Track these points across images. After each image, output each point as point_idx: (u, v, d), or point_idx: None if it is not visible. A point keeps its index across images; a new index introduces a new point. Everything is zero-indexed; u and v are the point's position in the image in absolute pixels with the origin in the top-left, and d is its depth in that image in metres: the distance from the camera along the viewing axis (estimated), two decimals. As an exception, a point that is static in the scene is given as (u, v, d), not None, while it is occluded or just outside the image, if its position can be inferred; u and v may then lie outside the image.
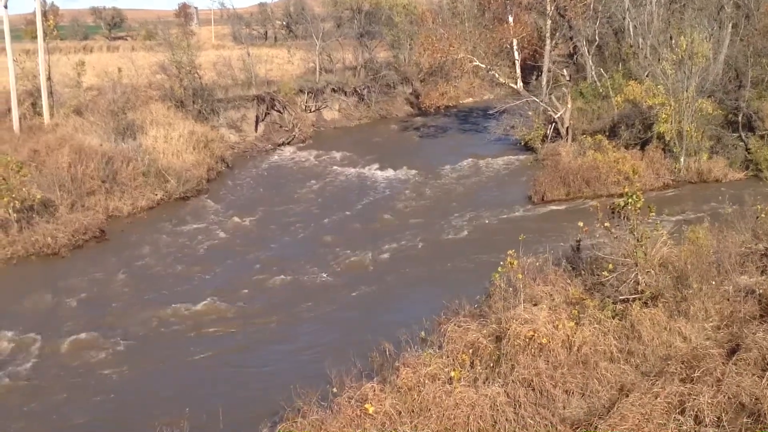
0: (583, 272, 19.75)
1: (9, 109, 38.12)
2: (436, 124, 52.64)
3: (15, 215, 28.18)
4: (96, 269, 26.36)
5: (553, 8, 43.65)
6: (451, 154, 43.23)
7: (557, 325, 16.98)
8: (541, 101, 41.52)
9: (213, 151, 40.55)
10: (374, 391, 15.70)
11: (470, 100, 58.76)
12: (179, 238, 29.69)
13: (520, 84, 44.65)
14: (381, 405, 15.03)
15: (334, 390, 16.76)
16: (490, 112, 46.46)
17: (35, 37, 41.07)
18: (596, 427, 13.57)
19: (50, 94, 39.61)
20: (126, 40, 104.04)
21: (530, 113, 42.55)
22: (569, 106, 40.83)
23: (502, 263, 18.76)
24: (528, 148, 42.24)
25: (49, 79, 39.79)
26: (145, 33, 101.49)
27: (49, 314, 22.90)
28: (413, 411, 14.94)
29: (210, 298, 23.78)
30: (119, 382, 19.09)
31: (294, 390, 16.97)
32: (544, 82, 43.39)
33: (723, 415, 13.13)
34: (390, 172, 39.50)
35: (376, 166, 40.78)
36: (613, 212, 18.45)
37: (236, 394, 18.27)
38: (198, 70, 46.74)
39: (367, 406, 14.95)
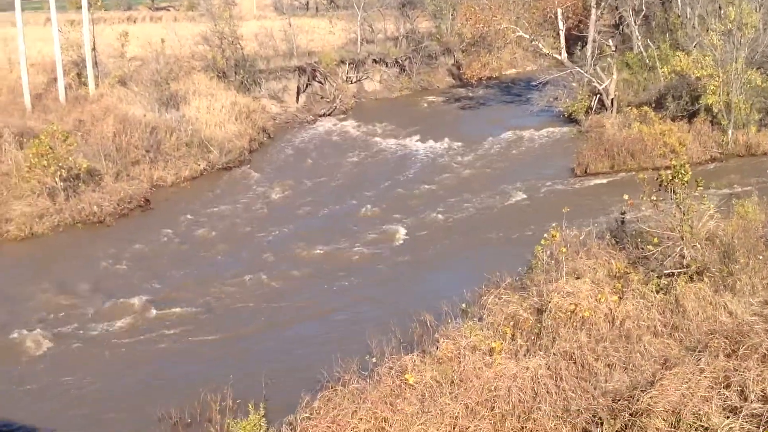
0: (627, 246, 19.52)
1: (55, 80, 38.58)
2: (478, 96, 52.17)
3: (62, 184, 28.62)
4: (141, 237, 26.73)
5: (599, -23, 42.82)
6: (492, 125, 42.84)
7: (600, 299, 16.86)
8: (586, 72, 40.88)
9: (255, 122, 40.67)
10: (414, 361, 15.76)
11: (513, 71, 58.03)
12: (222, 208, 29.93)
13: (564, 55, 43.97)
14: (421, 376, 15.07)
15: (374, 360, 16.88)
16: (533, 83, 45.83)
17: (80, 8, 41.38)
18: (639, 401, 13.45)
19: (95, 64, 39.99)
20: (169, 10, 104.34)
21: (574, 84, 41.93)
22: (614, 77, 40.15)
23: (545, 236, 18.63)
24: (571, 120, 41.70)
25: (93, 49, 40.14)
26: (188, 3, 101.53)
27: (95, 281, 23.31)
28: (453, 382, 14.97)
29: (251, 268, 24.01)
30: (163, 348, 19.41)
31: (335, 359, 17.13)
32: (588, 53, 42.64)
33: (769, 390, 12.95)
34: (431, 144, 39.29)
35: (416, 137, 40.59)
36: (660, 185, 18.13)
37: (278, 362, 18.48)
38: (240, 40, 46.77)
39: (407, 376, 15.01)
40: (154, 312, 21.21)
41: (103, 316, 21.02)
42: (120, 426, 15.80)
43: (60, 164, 28.41)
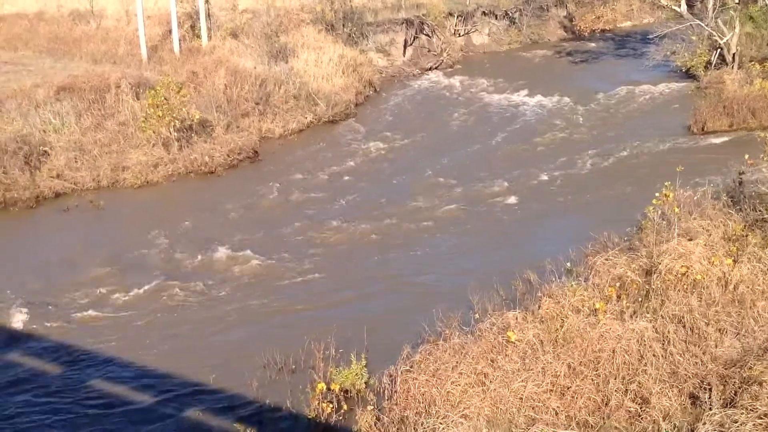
0: (744, 207, 18.70)
1: (170, 32, 39.58)
2: (591, 49, 50.60)
3: (175, 134, 29.48)
4: (250, 188, 27.35)
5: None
6: (605, 80, 41.55)
7: (713, 262, 16.28)
8: (706, 25, 38.98)
9: (361, 75, 40.70)
10: (516, 319, 15.66)
11: (628, 23, 55.99)
12: (328, 161, 30.26)
13: (683, 6, 42.00)
14: (523, 333, 14.97)
15: (477, 316, 16.85)
16: (650, 36, 44.08)
17: (194, -39, 42.20)
18: (751, 368, 12.98)
19: (208, 16, 40.76)
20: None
21: (693, 38, 40.09)
22: (737, 30, 38.13)
23: (657, 195, 18.04)
24: (689, 75, 39.99)
25: (207, 2, 40.89)
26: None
27: (206, 230, 24.04)
28: (556, 341, 14.81)
29: (357, 219, 24.27)
30: (269, 294, 19.91)
31: (436, 314, 17.20)
32: (710, 5, 40.57)
33: None
34: (540, 99, 38.45)
35: (525, 92, 39.79)
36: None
37: (380, 314, 18.69)
38: (348, -7, 46.73)
39: (509, 333, 14.93)
40: (261, 262, 21.73)
41: (214, 266, 21.68)
42: (226, 371, 16.35)
43: (174, 115, 29.21)
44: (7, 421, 15.06)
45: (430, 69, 46.86)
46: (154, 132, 29.21)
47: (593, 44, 51.50)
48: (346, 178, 28.54)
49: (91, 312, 19.13)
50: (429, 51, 48.86)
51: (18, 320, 18.74)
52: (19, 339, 18.06)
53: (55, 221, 25.24)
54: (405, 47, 48.52)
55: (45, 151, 28.12)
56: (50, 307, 19.34)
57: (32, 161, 27.37)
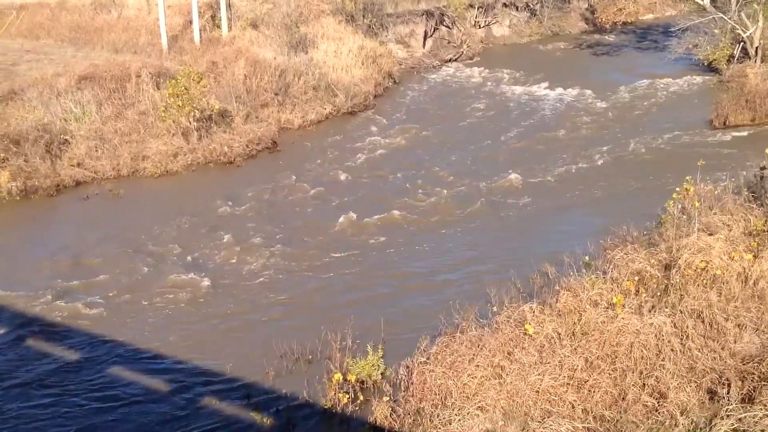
0: (766, 202, 18.53)
1: (190, 22, 39.70)
2: (612, 42, 50.26)
3: (195, 124, 29.59)
4: (269, 178, 27.39)
5: None
6: (626, 73, 41.27)
7: (733, 257, 16.13)
8: (729, 18, 38.58)
9: (381, 67, 40.64)
10: (534, 312, 15.61)
11: (650, 16, 55.53)
12: (346, 152, 30.26)
13: (706, 0, 41.67)
14: (541, 327, 14.93)
15: (494, 309, 16.82)
16: (672, 29, 43.75)
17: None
18: (770, 365, 12.89)
19: (228, 6, 40.83)
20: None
21: (716, 31, 39.70)
22: (760, 24, 37.70)
23: (677, 189, 17.91)
24: (711, 69, 39.65)
25: (227, -8, 41.04)
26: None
27: (225, 220, 24.13)
28: (573, 334, 14.76)
29: (373, 212, 24.24)
30: (286, 285, 19.98)
31: (453, 306, 17.19)
32: (734, -2, 40.23)
33: None
34: (560, 91, 38.25)
35: (545, 84, 39.59)
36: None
37: (397, 306, 18.70)
38: (369, -17, 46.62)
39: (527, 326, 14.90)
40: (276, 250, 21.79)
41: (231, 257, 21.77)
42: (243, 361, 16.43)
43: (194, 105, 29.32)
44: (44, 398, 15.27)
45: (450, 61, 46.72)
46: (173, 122, 29.33)
47: (615, 37, 51.16)
48: (365, 169, 28.53)
49: (108, 300, 19.29)
50: (449, 43, 48.71)
51: (36, 306, 18.90)
52: (38, 324, 18.24)
53: (75, 209, 25.43)
54: (425, 39, 48.39)
55: (66, 140, 28.34)
56: (67, 295, 19.51)
57: (53, 150, 27.58)
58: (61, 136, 28.27)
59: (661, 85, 38.59)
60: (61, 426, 14.72)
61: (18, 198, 25.65)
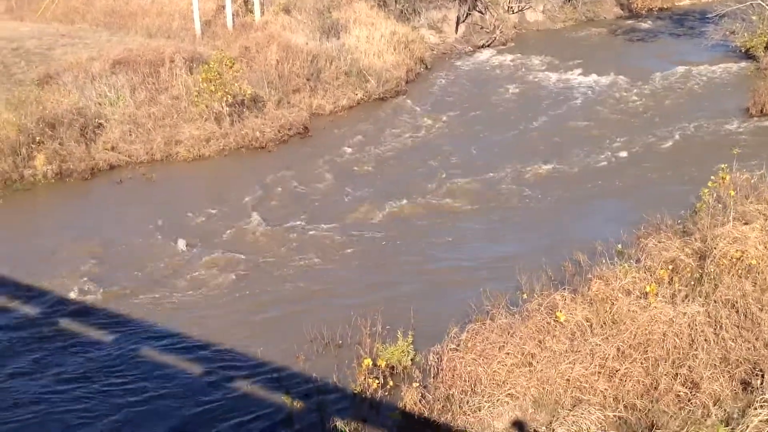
0: (804, 191, 18.26)
1: (223, 7, 39.81)
2: (648, 28, 49.56)
3: (227, 109, 29.71)
4: (301, 164, 27.48)
5: None
6: (661, 60, 40.67)
7: (769, 247, 15.93)
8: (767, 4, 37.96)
9: (413, 52, 40.42)
10: (565, 300, 15.52)
11: (687, 2, 54.67)
12: (377, 138, 30.22)
13: (745, -15, 40.92)
14: (572, 314, 14.85)
15: (524, 296, 16.76)
16: (709, 15, 43.02)
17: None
18: (806, 357, 12.72)
19: (261, -8, 40.93)
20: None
21: (754, 18, 38.97)
22: (801, 9, 37.07)
23: (712, 178, 17.69)
24: (748, 56, 38.95)
25: (260, -23, 41.07)
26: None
27: (257, 205, 24.24)
28: (605, 323, 14.66)
29: (405, 198, 24.24)
30: (316, 272, 20.07)
31: (483, 293, 17.16)
32: (773, -17, 39.48)
33: None
34: (594, 78, 37.81)
35: (579, 71, 39.16)
36: None
37: (427, 293, 18.70)
38: (402, -32, 46.38)
39: (558, 314, 14.82)
40: (310, 238, 21.91)
41: (263, 241, 21.92)
42: (274, 345, 16.55)
43: (226, 90, 29.42)
44: (66, 384, 15.50)
45: (482, 46, 46.37)
46: (206, 106, 29.47)
47: (650, 23, 50.45)
48: (395, 156, 28.49)
49: (142, 284, 19.51)
50: (482, 28, 48.33)
51: (72, 290, 19.17)
52: (73, 307, 18.50)
53: (110, 193, 25.70)
54: (457, 24, 48.06)
55: (100, 124, 28.60)
56: (101, 278, 19.75)
57: (87, 134, 27.84)
58: (96, 120, 28.54)
59: (697, 73, 38.01)
60: (92, 412, 14.95)
61: (53, 181, 25.98)
